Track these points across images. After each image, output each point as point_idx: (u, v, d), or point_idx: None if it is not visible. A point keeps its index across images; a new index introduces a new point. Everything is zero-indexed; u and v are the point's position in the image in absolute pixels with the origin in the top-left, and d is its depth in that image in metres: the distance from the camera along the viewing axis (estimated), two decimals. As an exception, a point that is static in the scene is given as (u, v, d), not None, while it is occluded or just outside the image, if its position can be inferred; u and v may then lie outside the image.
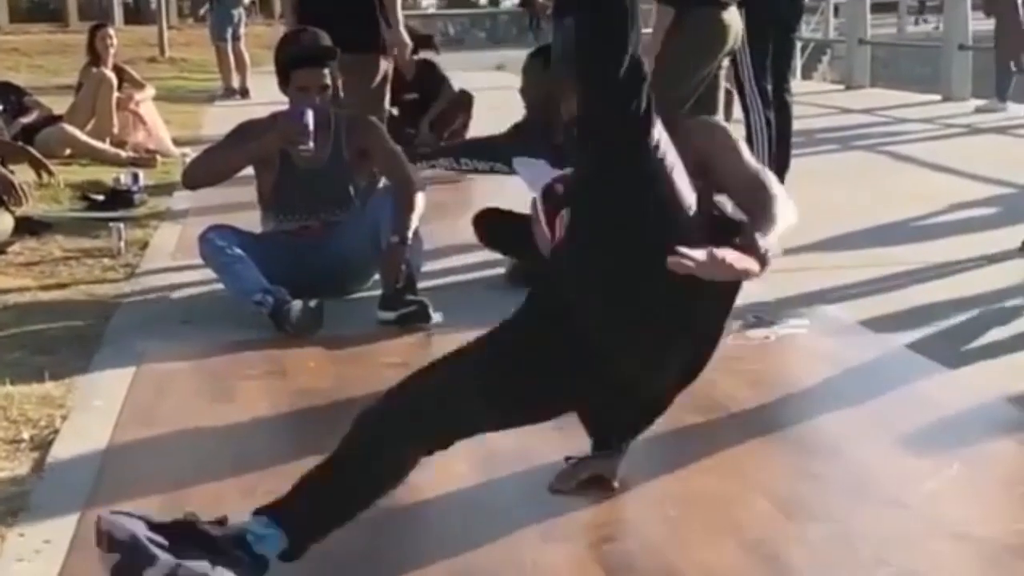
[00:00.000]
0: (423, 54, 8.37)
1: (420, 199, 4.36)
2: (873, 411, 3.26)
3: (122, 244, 5.42)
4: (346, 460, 2.36)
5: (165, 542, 2.21)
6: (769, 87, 5.86)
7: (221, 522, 2.31)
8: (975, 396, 3.35)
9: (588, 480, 2.74)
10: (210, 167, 4.57)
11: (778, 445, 3.06)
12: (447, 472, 2.86)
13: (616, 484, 2.74)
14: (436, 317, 4.09)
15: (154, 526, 2.25)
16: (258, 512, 2.33)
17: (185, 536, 2.26)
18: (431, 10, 33.60)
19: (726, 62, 5.37)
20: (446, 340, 3.92)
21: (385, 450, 2.36)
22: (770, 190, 2.47)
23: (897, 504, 2.68)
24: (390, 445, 2.36)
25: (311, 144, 4.33)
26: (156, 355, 3.88)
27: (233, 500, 2.75)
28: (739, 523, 2.58)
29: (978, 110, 10.84)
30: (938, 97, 12.02)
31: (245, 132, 4.54)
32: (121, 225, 5.58)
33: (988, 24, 11.59)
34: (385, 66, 5.47)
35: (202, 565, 2.20)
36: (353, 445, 2.37)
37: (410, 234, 4.25)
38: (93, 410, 3.38)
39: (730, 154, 2.58)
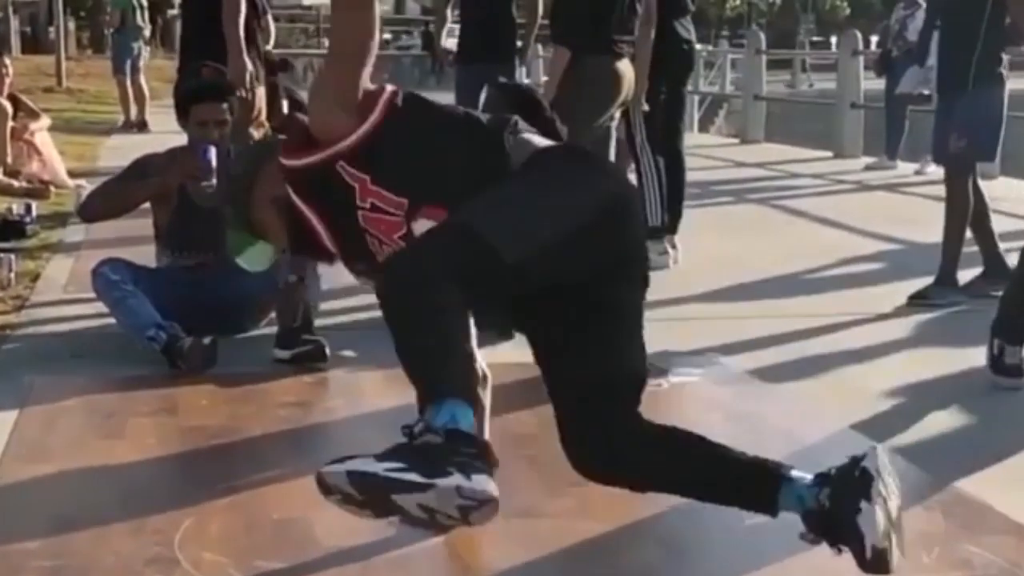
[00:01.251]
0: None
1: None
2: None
3: (12, 275, 5.33)
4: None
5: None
6: (661, 139, 5.99)
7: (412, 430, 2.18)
8: (860, 446, 3.41)
9: None
10: (108, 201, 4.52)
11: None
12: (340, 512, 2.85)
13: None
14: (349, 353, 4.09)
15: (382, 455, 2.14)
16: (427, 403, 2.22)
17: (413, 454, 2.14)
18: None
19: (618, 113, 5.47)
20: (342, 380, 3.94)
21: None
22: None
23: (783, 552, 2.73)
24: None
25: (214, 181, 4.31)
26: (44, 389, 3.82)
27: (120, 537, 2.72)
28: (629, 569, 2.61)
29: (868, 167, 11.11)
30: (830, 153, 12.30)
31: (144, 166, 4.50)
32: (12, 256, 5.49)
33: (879, 83, 11.91)
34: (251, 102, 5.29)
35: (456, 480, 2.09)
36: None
37: (308, 273, 4.24)
38: (-23, 444, 3.31)
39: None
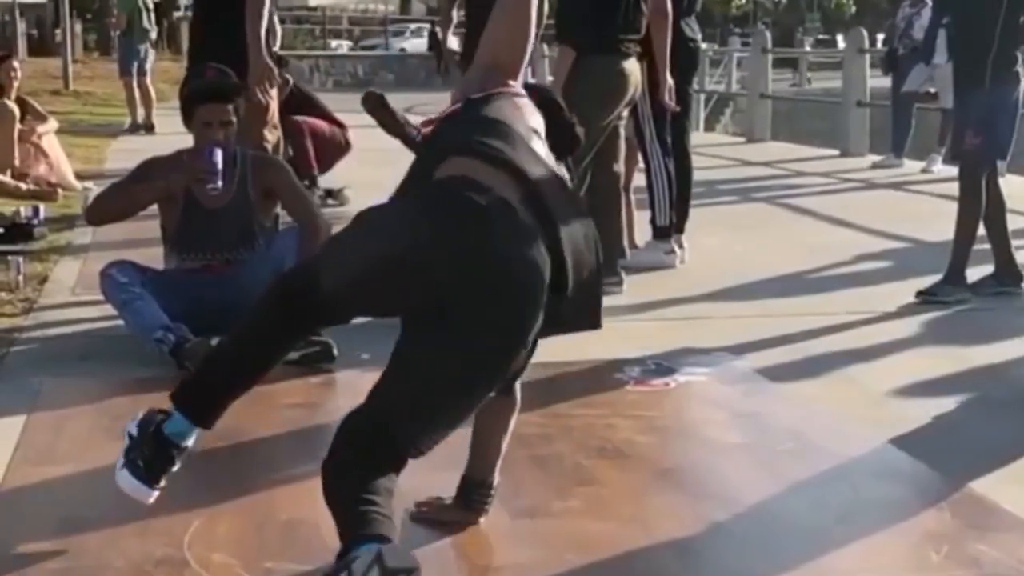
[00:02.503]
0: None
1: (326, 239, 4.35)
2: (768, 459, 3.32)
3: (20, 278, 5.34)
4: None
5: None
6: (669, 138, 5.99)
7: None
8: (868, 445, 3.43)
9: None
10: (115, 203, 4.53)
11: (675, 491, 3.10)
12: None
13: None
14: (362, 355, 4.09)
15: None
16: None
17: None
18: (341, 51, 33.64)
19: (625, 112, 5.46)
20: (349, 381, 3.94)
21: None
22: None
23: (792, 552, 2.74)
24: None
25: (219, 183, 4.32)
26: (53, 391, 3.83)
27: (129, 539, 2.73)
28: (637, 569, 2.61)
29: (874, 165, 11.10)
30: (836, 152, 12.29)
31: (151, 169, 4.51)
32: (20, 259, 5.51)
33: (885, 81, 11.90)
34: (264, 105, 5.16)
35: None
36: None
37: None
38: (-14, 446, 3.33)
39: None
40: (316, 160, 7.85)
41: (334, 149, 8.11)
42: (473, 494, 2.79)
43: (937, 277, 5.30)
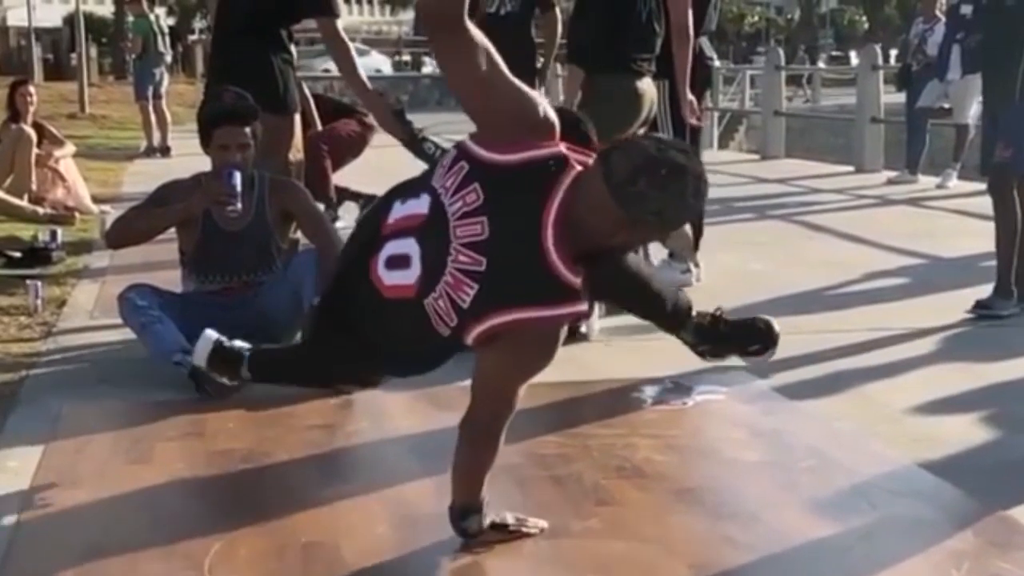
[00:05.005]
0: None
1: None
2: (788, 477, 3.31)
3: (39, 302, 5.37)
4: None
5: None
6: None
7: None
8: (888, 463, 3.42)
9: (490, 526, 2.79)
10: (135, 226, 4.55)
11: (695, 510, 3.10)
12: (368, 534, 2.87)
13: (511, 521, 2.81)
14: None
15: None
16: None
17: None
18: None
19: (641, 132, 5.46)
20: (368, 402, 3.95)
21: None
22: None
23: (813, 570, 2.73)
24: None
25: (239, 205, 4.33)
26: (73, 416, 3.84)
27: (151, 562, 2.74)
28: (657, 587, 2.61)
29: (890, 181, 11.09)
30: (851, 168, 12.28)
31: (169, 192, 4.53)
32: (38, 283, 5.53)
33: (899, 97, 11.90)
34: (288, 126, 5.19)
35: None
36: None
37: (332, 296, 4.26)
38: (7, 471, 3.34)
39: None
40: (333, 161, 7.88)
41: (354, 148, 8.13)
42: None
43: (955, 292, 5.30)
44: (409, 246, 2.70)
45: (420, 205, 2.70)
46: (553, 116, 2.66)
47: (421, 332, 2.68)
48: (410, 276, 2.69)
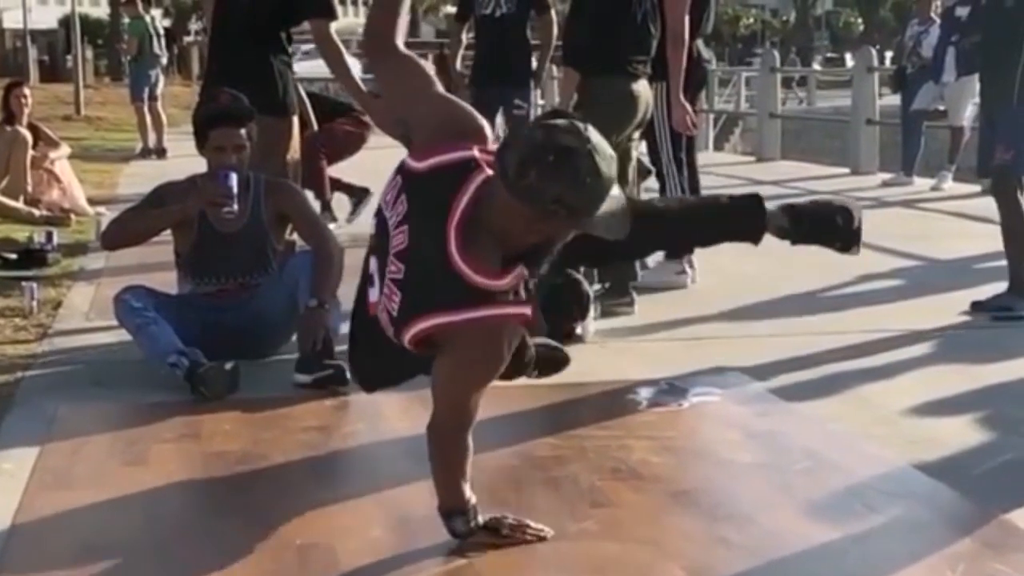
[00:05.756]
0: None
1: (339, 263, 4.37)
2: (783, 479, 3.32)
3: (34, 304, 5.36)
4: None
5: None
6: (684, 157, 6.01)
7: None
8: (883, 465, 3.43)
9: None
10: (130, 228, 4.55)
11: (690, 512, 3.10)
12: (363, 536, 2.87)
13: (510, 523, 2.81)
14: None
15: None
16: None
17: None
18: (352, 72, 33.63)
19: (636, 134, 5.46)
20: (363, 404, 3.95)
21: None
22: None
23: (808, 572, 2.74)
24: None
25: (235, 207, 4.33)
26: (68, 417, 3.84)
27: (146, 564, 2.74)
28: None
29: (885, 183, 11.10)
30: (846, 170, 12.29)
31: (164, 194, 4.53)
32: (34, 284, 5.52)
33: (895, 100, 11.91)
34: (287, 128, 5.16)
35: None
36: None
37: (328, 298, 4.26)
38: (3, 473, 3.33)
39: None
40: (329, 161, 7.88)
41: (351, 147, 8.13)
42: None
43: (950, 295, 5.30)
44: (372, 263, 2.83)
45: (379, 222, 2.81)
46: (481, 123, 2.73)
47: (392, 343, 2.77)
48: (375, 292, 2.81)
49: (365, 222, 5.19)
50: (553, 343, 3.66)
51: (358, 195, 8.01)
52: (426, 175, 2.64)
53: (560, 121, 2.50)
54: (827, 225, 3.62)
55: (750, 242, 3.62)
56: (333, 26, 4.99)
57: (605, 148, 2.49)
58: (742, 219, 3.59)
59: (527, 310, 2.63)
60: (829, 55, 48.18)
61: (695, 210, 3.72)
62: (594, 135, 2.49)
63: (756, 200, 3.61)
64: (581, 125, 2.50)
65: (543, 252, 2.70)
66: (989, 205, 5.71)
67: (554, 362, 3.65)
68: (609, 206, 2.50)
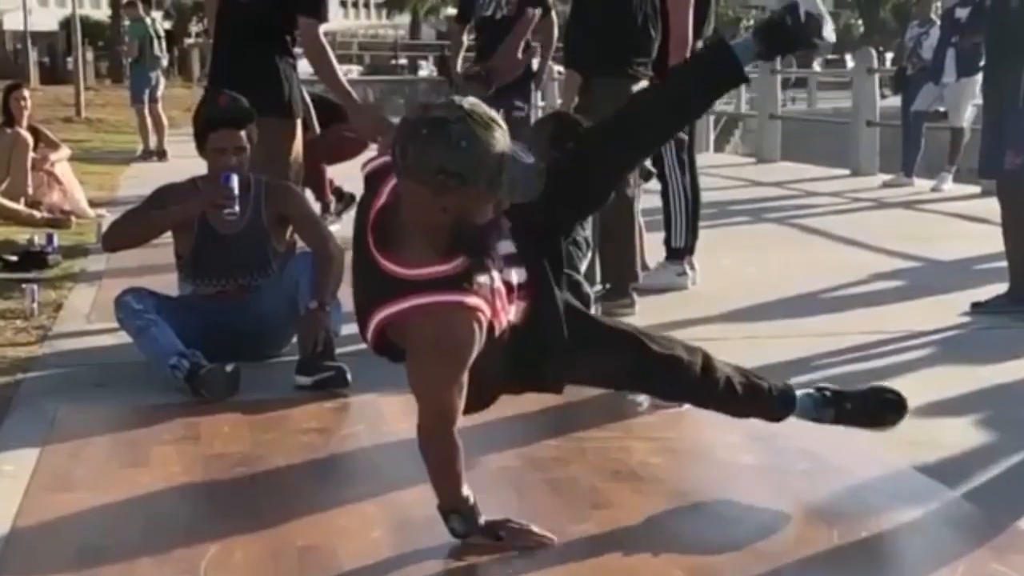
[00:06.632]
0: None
1: (339, 265, 4.37)
2: (782, 480, 3.32)
3: (35, 306, 5.36)
4: None
5: None
6: (686, 158, 6.01)
7: None
8: (884, 466, 3.43)
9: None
10: (131, 230, 4.55)
11: (691, 513, 3.10)
12: (364, 538, 2.87)
13: (514, 526, 2.80)
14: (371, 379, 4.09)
15: None
16: None
17: None
18: (352, 75, 33.77)
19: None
20: (364, 406, 3.95)
21: None
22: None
23: (809, 573, 2.73)
24: None
25: (236, 208, 4.33)
26: (69, 419, 3.84)
27: (146, 566, 2.74)
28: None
29: (885, 185, 11.10)
30: (847, 171, 12.29)
31: (165, 195, 4.53)
32: (34, 286, 5.53)
33: (895, 101, 11.91)
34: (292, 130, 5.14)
35: None
36: None
37: (329, 300, 4.26)
38: (3, 475, 3.34)
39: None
40: (329, 162, 7.87)
41: (350, 151, 8.12)
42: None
43: (951, 296, 5.30)
44: None
45: None
46: None
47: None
48: None
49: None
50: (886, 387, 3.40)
51: (346, 200, 8.01)
52: (368, 178, 2.81)
53: (440, 100, 2.62)
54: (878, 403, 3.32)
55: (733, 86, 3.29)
56: (322, 29, 4.95)
57: (484, 115, 2.57)
58: (712, 61, 3.22)
59: (470, 299, 2.65)
60: (829, 57, 48.15)
61: (665, 89, 3.39)
62: (472, 106, 2.57)
63: (719, 41, 3.39)
64: (461, 100, 2.59)
65: (480, 235, 2.71)
66: (989, 206, 5.72)
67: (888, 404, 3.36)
68: (513, 171, 2.58)
